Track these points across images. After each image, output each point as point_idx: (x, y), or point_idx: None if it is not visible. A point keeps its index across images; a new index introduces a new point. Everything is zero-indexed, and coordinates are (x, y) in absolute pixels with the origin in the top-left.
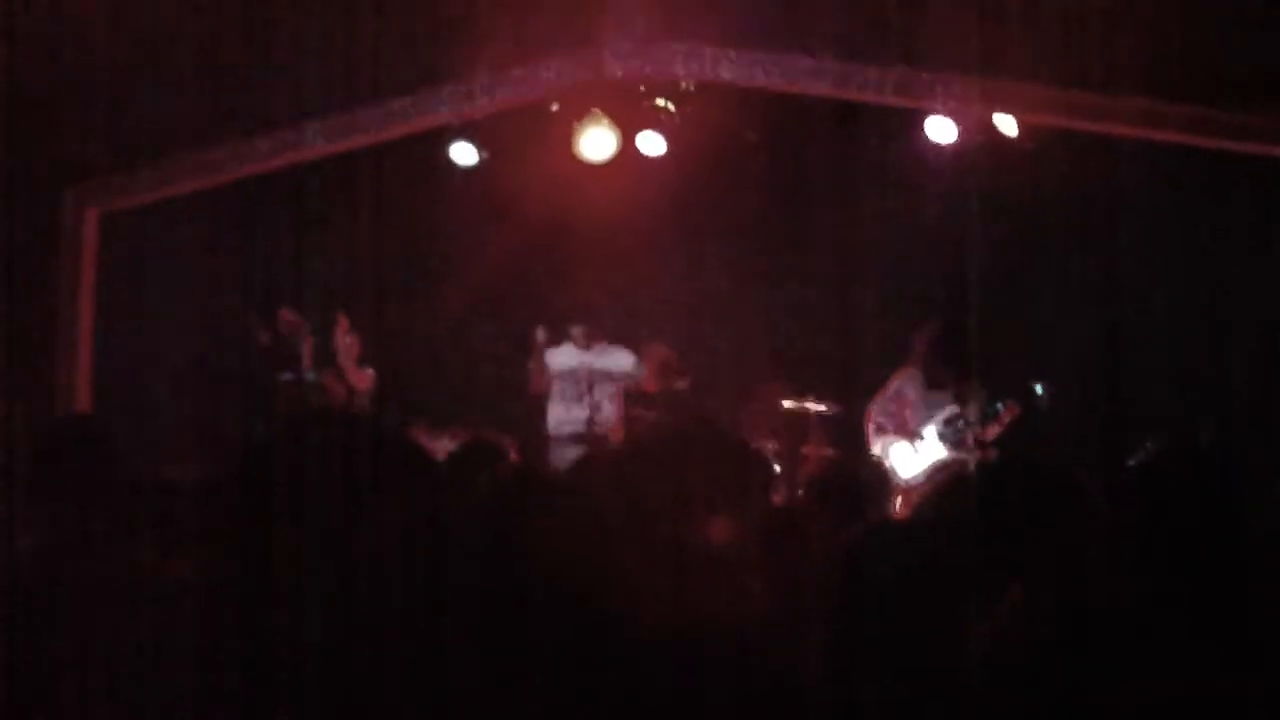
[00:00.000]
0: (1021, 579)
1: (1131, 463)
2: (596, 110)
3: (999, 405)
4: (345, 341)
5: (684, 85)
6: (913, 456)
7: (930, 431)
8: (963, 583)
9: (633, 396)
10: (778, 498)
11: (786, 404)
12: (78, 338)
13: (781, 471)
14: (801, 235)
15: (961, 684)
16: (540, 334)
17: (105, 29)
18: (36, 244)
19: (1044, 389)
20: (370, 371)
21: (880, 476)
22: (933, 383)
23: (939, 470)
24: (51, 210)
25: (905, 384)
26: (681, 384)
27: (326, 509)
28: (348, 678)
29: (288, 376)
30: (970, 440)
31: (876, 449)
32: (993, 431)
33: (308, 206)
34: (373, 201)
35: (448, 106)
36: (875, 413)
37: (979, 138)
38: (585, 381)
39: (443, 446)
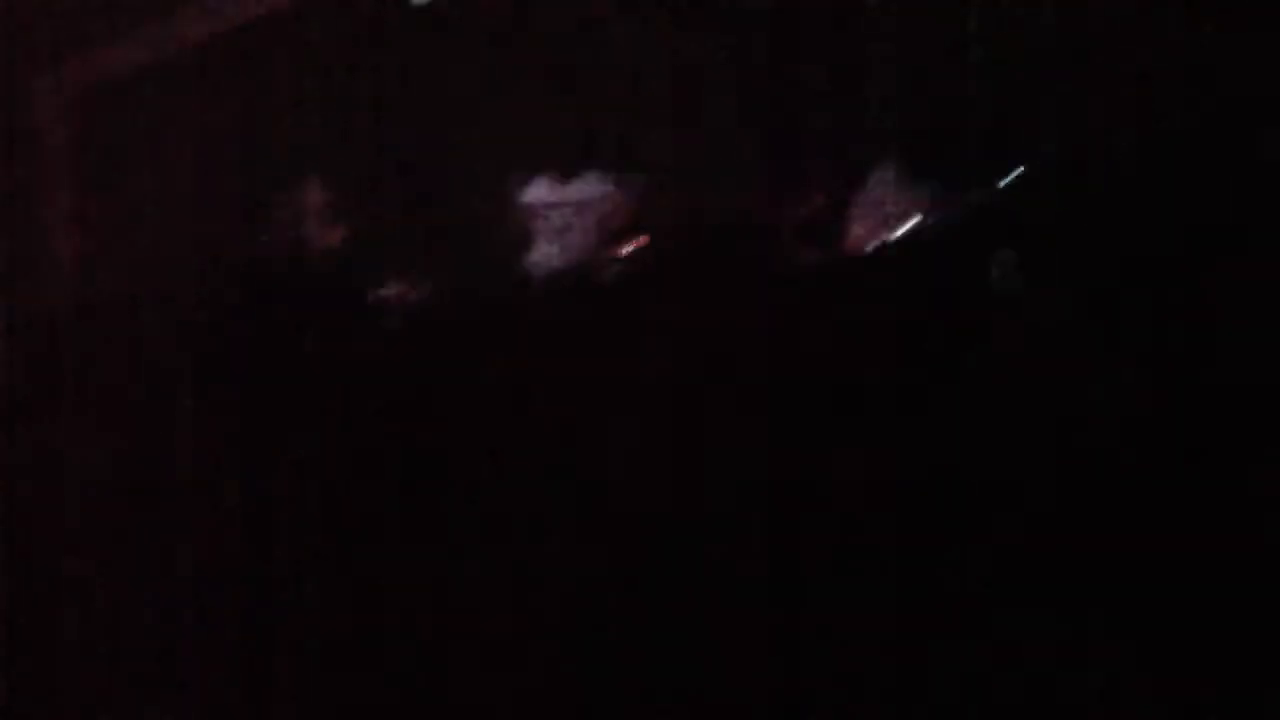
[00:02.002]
0: None
1: None
2: None
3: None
4: (313, 198)
5: None
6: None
7: (908, 229)
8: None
9: (613, 229)
10: None
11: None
12: (63, 220)
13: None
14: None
15: None
16: (513, 171)
17: None
18: (8, 132)
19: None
20: (339, 227)
21: None
22: (913, 178)
23: None
24: (22, 96)
25: (883, 179)
26: (663, 205)
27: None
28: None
29: (264, 239)
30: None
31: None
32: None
33: (265, 66)
34: (329, 53)
35: None
36: (854, 210)
37: None
38: (563, 214)
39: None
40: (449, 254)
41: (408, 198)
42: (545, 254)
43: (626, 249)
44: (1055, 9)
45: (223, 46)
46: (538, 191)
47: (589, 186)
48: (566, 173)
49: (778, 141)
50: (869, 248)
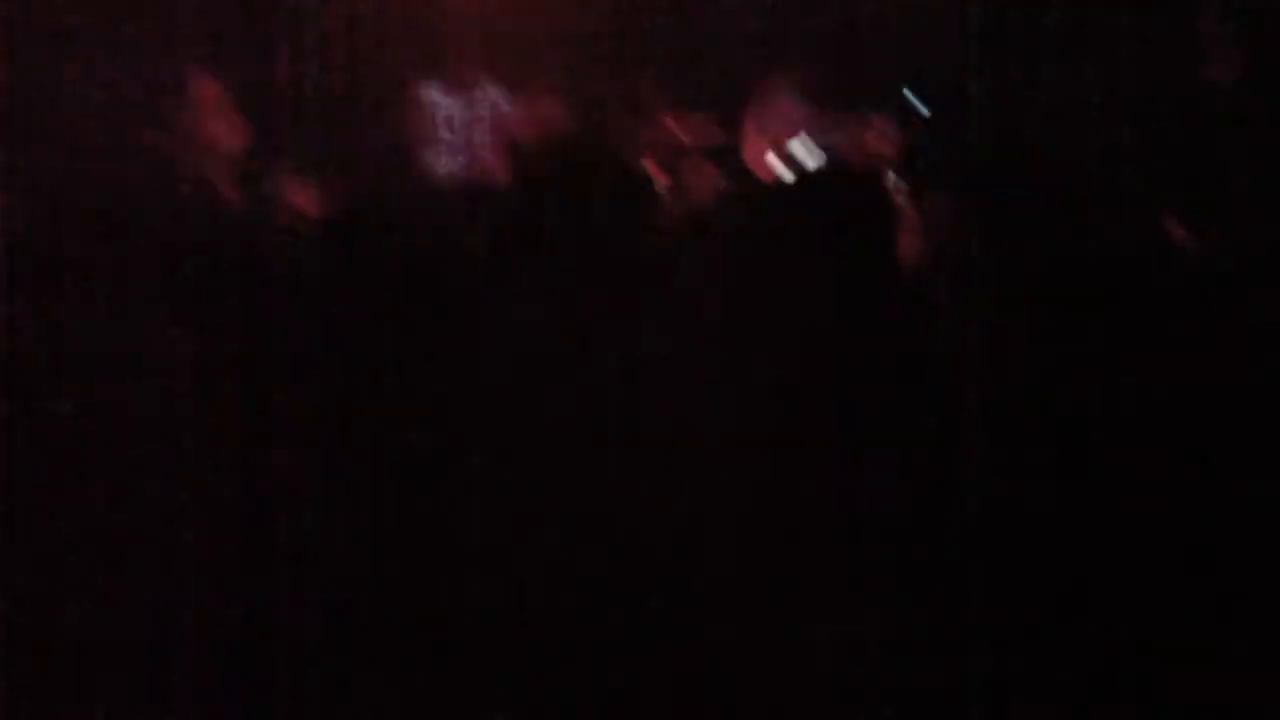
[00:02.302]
0: None
1: None
2: None
3: (870, 116)
4: (204, 90)
5: None
6: (780, 169)
7: (800, 146)
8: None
9: (510, 141)
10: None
11: (672, 121)
12: None
13: (671, 191)
14: None
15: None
16: (413, 78)
17: None
18: None
19: (916, 97)
20: (238, 119)
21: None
22: (809, 94)
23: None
24: None
25: (779, 94)
26: (559, 123)
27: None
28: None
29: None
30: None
31: (754, 161)
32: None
33: None
34: None
35: None
36: (750, 125)
37: None
38: (461, 125)
39: (316, 197)
40: (349, 156)
41: (310, 99)
42: (442, 159)
43: (520, 159)
44: None
45: None
46: (436, 98)
47: (486, 96)
48: (465, 82)
49: (670, 60)
50: (765, 164)
